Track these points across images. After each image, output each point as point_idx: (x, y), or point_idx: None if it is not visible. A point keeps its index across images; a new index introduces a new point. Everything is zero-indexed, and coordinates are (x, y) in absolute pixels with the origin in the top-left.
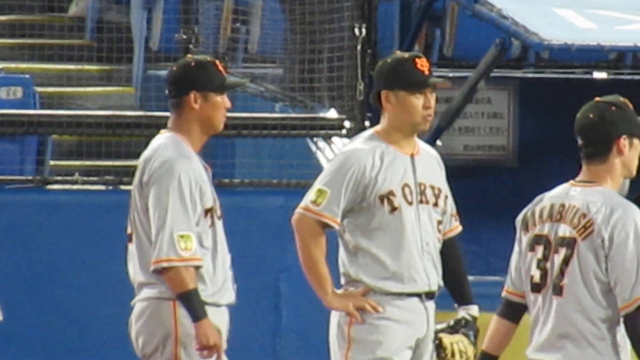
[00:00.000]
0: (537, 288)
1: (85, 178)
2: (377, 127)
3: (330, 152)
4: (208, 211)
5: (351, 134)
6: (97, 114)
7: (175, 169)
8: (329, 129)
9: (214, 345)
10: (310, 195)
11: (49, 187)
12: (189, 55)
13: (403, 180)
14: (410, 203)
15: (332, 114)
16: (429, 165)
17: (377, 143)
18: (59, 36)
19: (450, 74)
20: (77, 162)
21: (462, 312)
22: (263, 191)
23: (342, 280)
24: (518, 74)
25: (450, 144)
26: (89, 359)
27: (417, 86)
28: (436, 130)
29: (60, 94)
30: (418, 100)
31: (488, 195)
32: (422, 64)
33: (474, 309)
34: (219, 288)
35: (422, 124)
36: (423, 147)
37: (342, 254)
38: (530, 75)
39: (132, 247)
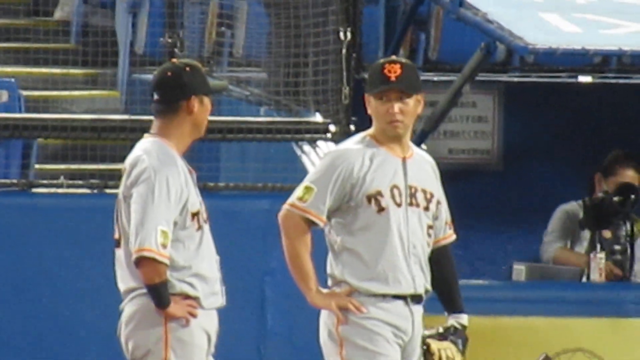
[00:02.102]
0: None
1: (70, 182)
2: (369, 131)
3: (315, 156)
4: (195, 215)
5: (336, 137)
6: (82, 117)
7: (162, 174)
8: (314, 133)
9: (184, 316)
10: (297, 191)
11: (34, 190)
12: (174, 60)
13: (392, 182)
14: (398, 205)
15: (317, 117)
16: (422, 169)
17: (368, 144)
18: (45, 40)
19: (435, 78)
20: (63, 166)
21: (452, 320)
22: (248, 195)
23: (329, 282)
24: (503, 77)
25: (435, 147)
26: None
27: (375, 89)
28: (421, 134)
29: (46, 98)
30: (382, 106)
31: (473, 199)
32: (391, 69)
33: (463, 318)
34: (208, 292)
35: (389, 129)
36: (418, 152)
37: (329, 255)
38: (515, 79)
39: (119, 253)
